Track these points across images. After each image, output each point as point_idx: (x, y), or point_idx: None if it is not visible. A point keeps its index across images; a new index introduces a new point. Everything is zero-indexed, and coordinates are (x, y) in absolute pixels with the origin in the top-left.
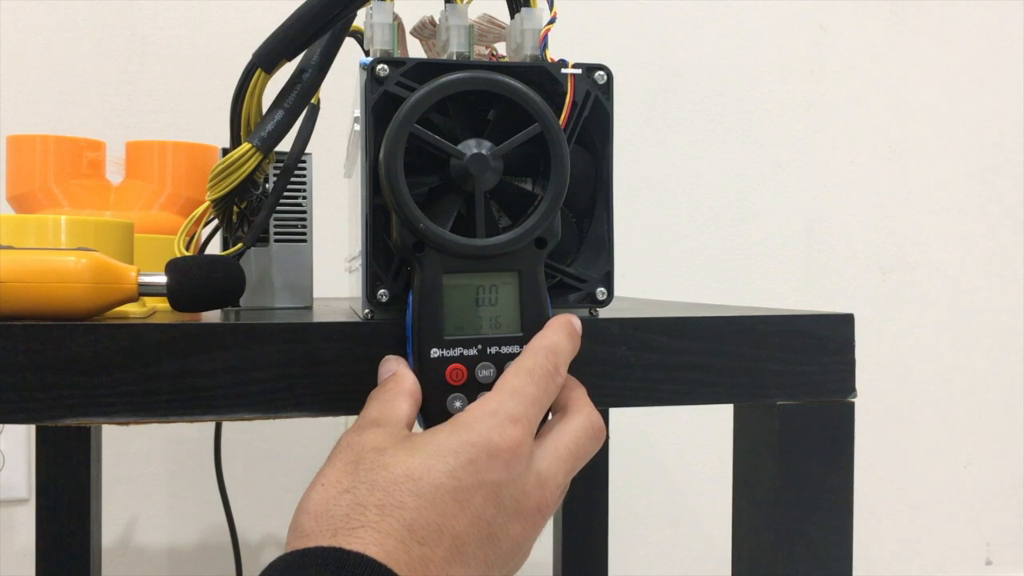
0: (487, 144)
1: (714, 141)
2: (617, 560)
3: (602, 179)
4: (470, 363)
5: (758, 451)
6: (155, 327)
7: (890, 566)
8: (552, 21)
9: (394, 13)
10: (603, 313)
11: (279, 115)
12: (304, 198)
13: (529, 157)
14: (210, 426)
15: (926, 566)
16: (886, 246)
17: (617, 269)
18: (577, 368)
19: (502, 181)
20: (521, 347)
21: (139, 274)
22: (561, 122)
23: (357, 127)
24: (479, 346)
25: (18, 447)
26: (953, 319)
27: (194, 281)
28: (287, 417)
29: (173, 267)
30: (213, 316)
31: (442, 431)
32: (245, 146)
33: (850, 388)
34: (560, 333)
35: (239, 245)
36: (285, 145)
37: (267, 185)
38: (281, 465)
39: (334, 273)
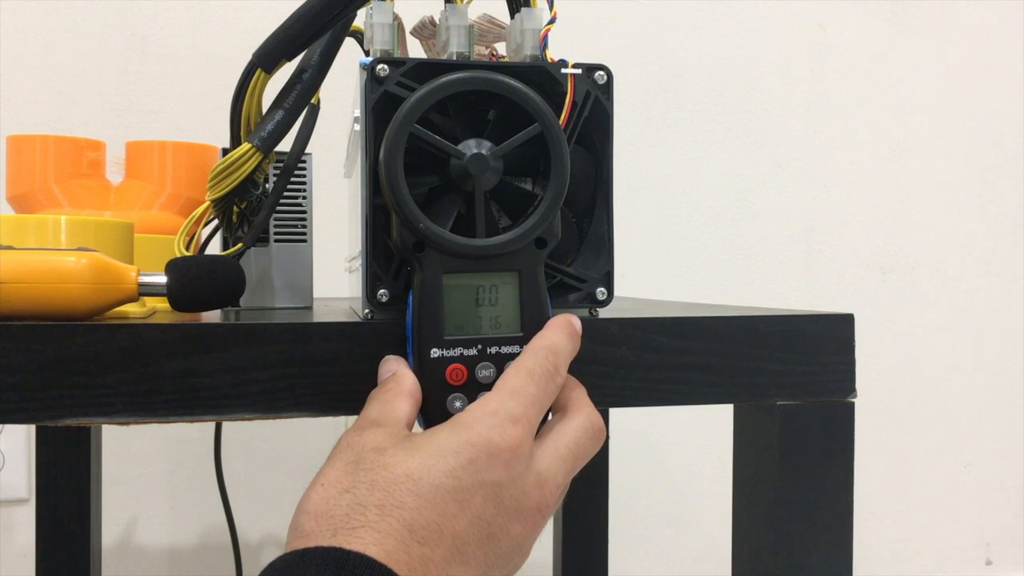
0: (487, 144)
1: (714, 141)
2: (617, 560)
3: (602, 179)
4: (470, 363)
5: (758, 451)
6: (155, 327)
7: (890, 566)
8: (552, 21)
9: (394, 13)
10: (603, 313)
11: (279, 115)
12: (304, 198)
13: (529, 157)
14: (210, 426)
15: (926, 566)
16: (886, 246)
17: (617, 269)
18: (577, 368)
19: (502, 181)
20: (521, 347)
21: (139, 274)
22: (561, 122)
23: (357, 127)
24: (479, 346)
25: (18, 447)
26: (953, 319)
27: (194, 281)
28: (287, 417)
29: (173, 267)
30: (213, 316)
31: (442, 431)
32: (245, 146)
33: (850, 388)
34: (560, 333)
35: (239, 245)
36: (285, 145)
37: (267, 185)
38: (281, 465)
39: (334, 273)
